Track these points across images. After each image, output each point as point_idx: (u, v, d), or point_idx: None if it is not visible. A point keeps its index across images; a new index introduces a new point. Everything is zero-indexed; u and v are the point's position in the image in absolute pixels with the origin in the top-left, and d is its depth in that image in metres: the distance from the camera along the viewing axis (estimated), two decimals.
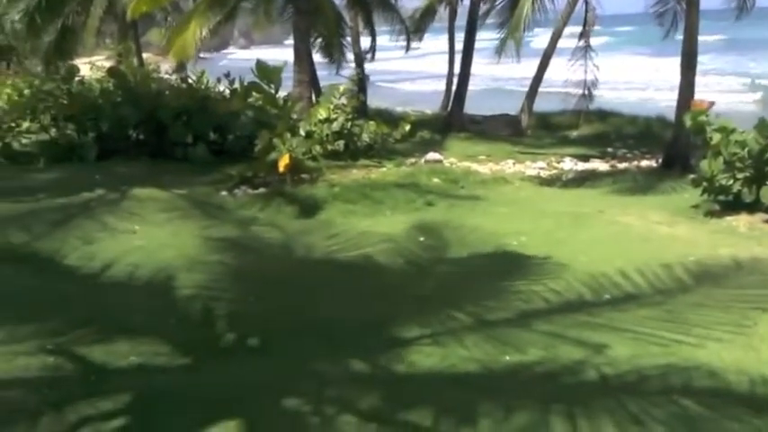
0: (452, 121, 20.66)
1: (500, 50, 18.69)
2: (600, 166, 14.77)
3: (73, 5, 21.93)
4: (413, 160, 13.99)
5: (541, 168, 14.23)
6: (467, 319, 5.58)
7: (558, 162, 15.02)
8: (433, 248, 7.77)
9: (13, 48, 26.00)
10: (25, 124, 13.55)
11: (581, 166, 14.64)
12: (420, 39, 26.47)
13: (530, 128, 20.40)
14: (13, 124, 13.07)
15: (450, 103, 22.31)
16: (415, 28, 25.69)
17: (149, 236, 7.84)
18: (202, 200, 9.98)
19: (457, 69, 22.04)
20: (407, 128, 14.99)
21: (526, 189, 11.91)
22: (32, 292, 6.01)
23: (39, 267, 6.73)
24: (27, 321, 5.26)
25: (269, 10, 21.27)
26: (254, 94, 12.38)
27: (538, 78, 20.21)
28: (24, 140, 13.14)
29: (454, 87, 21.97)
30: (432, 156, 14.21)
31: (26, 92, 14.36)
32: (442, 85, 26.93)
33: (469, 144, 17.47)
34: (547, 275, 6.58)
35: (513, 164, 14.56)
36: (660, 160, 14.03)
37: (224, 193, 10.51)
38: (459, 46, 22.24)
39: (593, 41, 20.36)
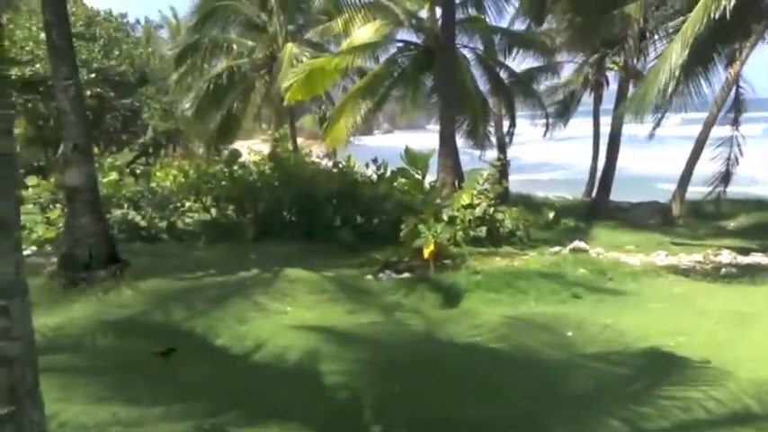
0: (598, 208, 20.10)
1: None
2: (762, 260, 13.70)
3: (236, 95, 23.82)
4: (557, 249, 13.66)
5: (697, 261, 13.40)
6: (622, 428, 5.25)
7: (715, 255, 14.09)
8: (581, 344, 7.45)
9: (180, 132, 28.49)
10: (188, 203, 14.63)
11: (741, 259, 13.64)
12: (564, 124, 26.33)
13: (681, 217, 19.41)
14: (178, 204, 14.10)
15: (595, 189, 21.79)
16: (558, 113, 25.61)
17: (299, 318, 8.12)
18: (349, 283, 10.22)
19: (602, 154, 21.61)
20: (551, 215, 14.73)
21: (681, 284, 11.23)
22: (187, 370, 6.31)
23: (195, 345, 7.11)
24: (182, 400, 5.52)
25: (416, 97, 22.03)
26: (400, 179, 12.75)
27: (690, 166, 19.34)
28: (188, 220, 14.13)
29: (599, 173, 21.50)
30: (577, 245, 13.80)
31: (191, 174, 15.54)
32: (585, 170, 26.46)
33: (616, 233, 16.84)
34: (707, 382, 6.08)
35: (665, 255, 13.81)
36: None
37: (369, 276, 10.72)
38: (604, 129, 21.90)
39: (748, 129, 19.29)
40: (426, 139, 22.31)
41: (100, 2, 44.62)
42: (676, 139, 22.01)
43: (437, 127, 20.79)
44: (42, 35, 15.23)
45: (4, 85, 3.57)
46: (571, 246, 13.81)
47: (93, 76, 23.14)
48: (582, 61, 25.26)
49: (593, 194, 22.10)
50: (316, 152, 21.92)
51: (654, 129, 18.33)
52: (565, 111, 26.00)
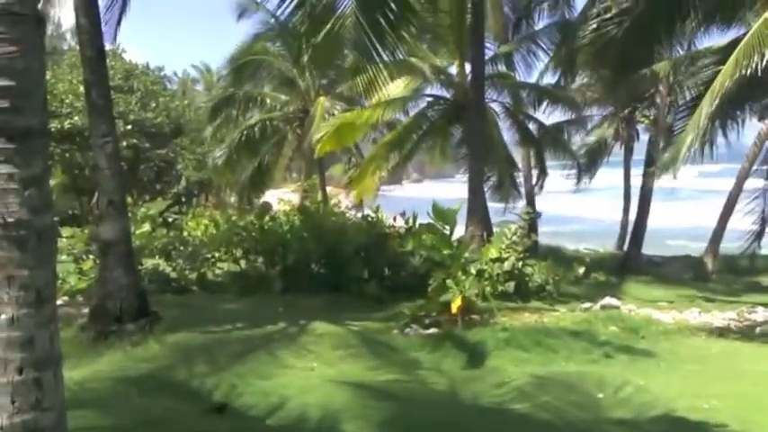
0: (629, 261, 19.89)
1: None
2: None
3: (268, 146, 24.28)
4: (588, 305, 13.47)
5: (731, 319, 13.11)
6: None
7: (750, 312, 13.79)
8: (612, 406, 7.30)
9: (212, 181, 29.01)
10: (217, 254, 14.78)
11: None
12: (594, 176, 26.26)
13: (715, 272, 19.08)
14: (208, 255, 14.26)
15: (627, 243, 21.57)
16: (588, 165, 25.59)
17: (323, 374, 8.09)
18: (374, 337, 10.18)
19: (633, 207, 21.48)
20: (581, 270, 14.58)
21: (715, 343, 10.97)
22: (210, 428, 6.29)
23: (216, 401, 7.11)
24: None
25: (445, 149, 22.21)
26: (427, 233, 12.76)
27: (723, 220, 19.11)
28: (218, 271, 14.28)
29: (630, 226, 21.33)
30: (608, 301, 13.61)
31: (222, 225, 15.77)
32: (614, 222, 26.25)
33: (649, 288, 16.61)
34: None
35: (699, 313, 13.54)
36: None
37: (395, 331, 10.67)
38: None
39: None
40: (455, 188, 22.41)
41: (138, 55, 46.16)
42: (695, 193, 21.72)
43: (466, 176, 20.93)
44: (82, 88, 15.74)
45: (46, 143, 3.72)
46: (602, 302, 13.62)
47: (129, 127, 23.81)
48: (612, 115, 25.32)
49: (625, 247, 21.87)
50: (344, 202, 22.16)
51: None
52: (594, 163, 25.98)
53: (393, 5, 9.35)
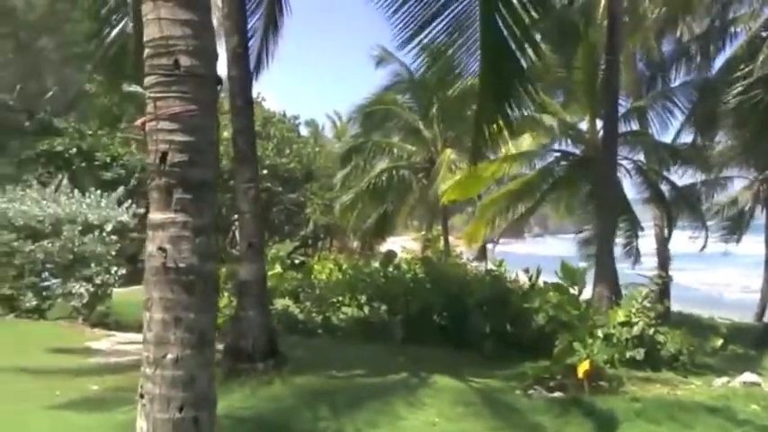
0: None
1: None
2: None
3: (393, 195, 24.77)
4: (725, 379, 12.56)
5: None
6: None
7: None
8: None
9: (338, 226, 29.85)
10: (341, 298, 15.09)
11: None
12: (728, 240, 24.80)
13: None
14: (334, 300, 14.62)
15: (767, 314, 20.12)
16: (726, 230, 24.22)
17: (442, 430, 8.01)
18: (496, 397, 9.97)
19: None
20: (719, 342, 13.69)
21: None
22: None
23: None
24: None
25: (571, 204, 21.78)
26: (554, 291, 12.50)
27: None
28: (342, 315, 14.58)
29: None
30: (748, 377, 12.64)
31: (348, 271, 16.14)
32: (754, 290, 24.56)
33: None
34: None
35: None
36: None
37: (518, 392, 10.40)
38: None
39: None
40: (578, 246, 21.78)
41: (276, 103, 48.69)
42: None
43: (590, 233, 20.37)
44: (225, 133, 16.77)
45: (215, 195, 4.03)
46: (741, 378, 12.69)
47: (264, 172, 25.04)
48: (753, 177, 23.94)
49: (765, 319, 20.37)
50: (465, 253, 22.12)
51: None
52: (733, 228, 24.53)
53: (523, 62, 9.41)
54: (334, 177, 27.11)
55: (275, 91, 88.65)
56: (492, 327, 13.24)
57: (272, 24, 12.76)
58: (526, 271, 14.82)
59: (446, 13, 8.04)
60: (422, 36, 8.29)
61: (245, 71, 10.97)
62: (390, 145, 25.32)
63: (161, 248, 3.59)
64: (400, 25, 8.28)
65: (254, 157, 11.04)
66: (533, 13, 7.76)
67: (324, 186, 29.58)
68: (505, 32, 7.68)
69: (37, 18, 28.73)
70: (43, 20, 29.22)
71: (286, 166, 27.05)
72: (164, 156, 3.63)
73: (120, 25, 11.05)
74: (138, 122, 3.75)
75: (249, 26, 11.73)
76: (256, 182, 10.65)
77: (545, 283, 13.78)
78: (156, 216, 3.68)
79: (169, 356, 3.62)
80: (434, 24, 8.18)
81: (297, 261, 21.89)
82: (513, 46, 7.81)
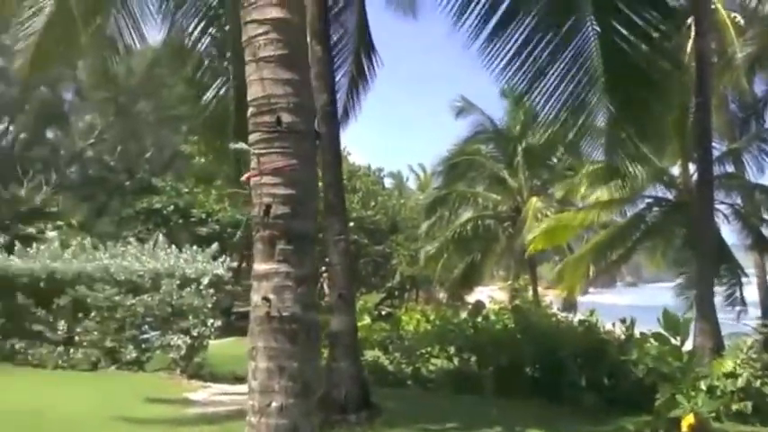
0: None
1: None
2: None
3: (479, 245, 24.62)
4: None
5: None
6: None
7: None
8: None
9: (424, 277, 29.82)
10: (430, 349, 14.91)
11: None
12: None
13: None
14: (423, 351, 14.50)
15: None
16: None
17: None
18: None
19: None
20: None
21: None
22: None
23: None
24: None
25: (666, 251, 21.03)
26: (653, 342, 12.00)
27: None
28: (431, 367, 14.43)
29: None
30: None
31: (436, 322, 16.02)
32: None
33: None
34: None
35: None
36: None
37: None
38: None
39: None
40: (670, 295, 20.89)
41: (359, 156, 49.74)
42: None
43: (688, 281, 19.49)
44: None
45: (314, 246, 4.18)
46: None
47: (351, 224, 25.43)
48: None
49: None
50: (555, 303, 21.58)
51: None
52: None
53: (611, 108, 9.33)
54: (418, 229, 27.25)
55: (359, 145, 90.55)
56: (588, 380, 12.78)
57: (356, 83, 13.32)
58: (623, 321, 14.28)
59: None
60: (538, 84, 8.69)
61: (333, 127, 11.30)
62: (475, 195, 25.31)
63: (265, 298, 3.71)
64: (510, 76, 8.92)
65: (343, 209, 11.27)
66: None
67: (409, 237, 29.74)
68: None
69: (136, 83, 30.61)
70: (141, 84, 31.12)
71: (372, 218, 27.42)
72: (267, 208, 3.79)
73: (216, 88, 11.64)
74: (244, 178, 3.94)
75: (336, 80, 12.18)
76: (346, 234, 10.85)
77: (641, 333, 13.23)
78: (260, 267, 3.82)
79: (274, 405, 3.70)
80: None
81: (384, 312, 21.95)
82: None
